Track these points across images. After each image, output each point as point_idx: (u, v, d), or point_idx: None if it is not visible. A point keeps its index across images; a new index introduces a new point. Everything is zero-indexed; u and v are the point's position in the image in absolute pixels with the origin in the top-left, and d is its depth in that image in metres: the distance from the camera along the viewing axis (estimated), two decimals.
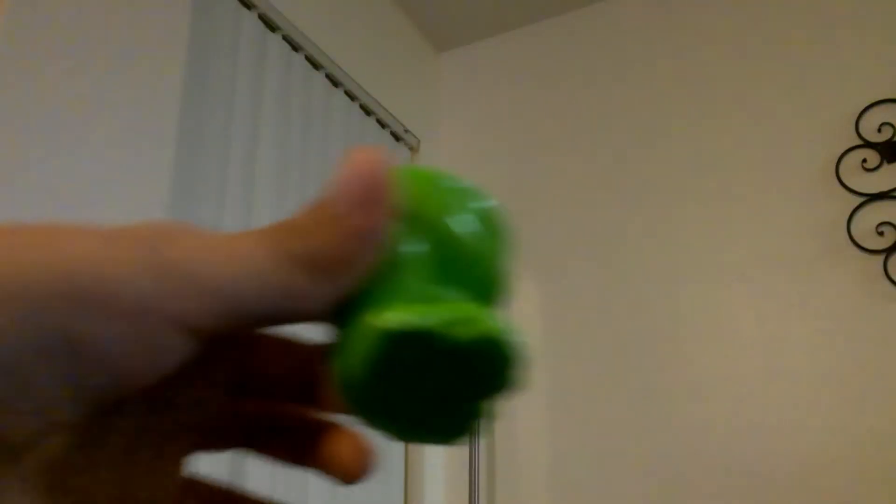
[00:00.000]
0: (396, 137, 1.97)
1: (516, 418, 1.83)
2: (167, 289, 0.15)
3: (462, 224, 0.20)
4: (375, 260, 0.18)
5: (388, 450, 1.68)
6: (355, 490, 1.53)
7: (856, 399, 1.48)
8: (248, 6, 1.44)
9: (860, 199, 1.57)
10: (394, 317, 0.18)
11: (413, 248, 0.19)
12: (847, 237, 1.55)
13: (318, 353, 0.21)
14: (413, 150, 2.06)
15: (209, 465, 1.11)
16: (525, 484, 1.76)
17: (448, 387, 0.20)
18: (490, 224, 0.21)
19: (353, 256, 0.17)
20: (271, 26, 1.51)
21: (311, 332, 0.20)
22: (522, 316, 1.91)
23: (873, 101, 1.60)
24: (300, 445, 0.21)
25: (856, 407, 1.47)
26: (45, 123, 0.99)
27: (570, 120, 2.03)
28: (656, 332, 1.72)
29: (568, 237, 1.92)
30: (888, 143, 1.56)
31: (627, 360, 1.74)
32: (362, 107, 1.82)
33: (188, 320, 0.15)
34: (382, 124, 1.90)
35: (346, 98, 1.75)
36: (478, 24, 2.20)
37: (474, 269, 0.20)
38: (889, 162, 1.56)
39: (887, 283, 1.50)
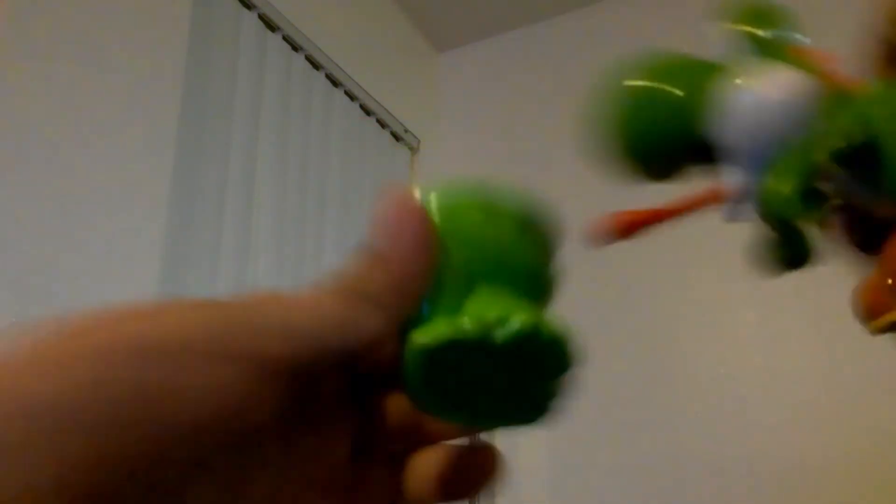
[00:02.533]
0: (396, 137, 1.97)
1: None
2: (248, 334, 0.17)
3: (495, 232, 0.22)
4: (421, 288, 0.20)
5: None
6: None
7: (856, 399, 1.48)
8: (248, 6, 1.44)
9: None
10: (428, 333, 0.20)
11: (452, 263, 0.21)
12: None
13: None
14: (413, 150, 2.05)
15: None
16: (525, 484, 1.76)
17: (510, 377, 0.21)
18: (526, 225, 0.23)
19: (400, 291, 0.20)
20: (271, 26, 1.50)
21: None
22: None
23: None
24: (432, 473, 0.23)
25: (856, 407, 1.47)
26: (45, 123, 0.99)
27: (569, 120, 2.03)
28: (656, 331, 1.72)
29: (567, 237, 1.92)
30: None
31: (627, 360, 1.74)
32: (362, 107, 1.82)
33: (269, 359, 0.17)
34: (382, 124, 1.90)
35: (346, 98, 1.75)
36: (478, 24, 2.20)
37: (510, 271, 0.22)
38: None
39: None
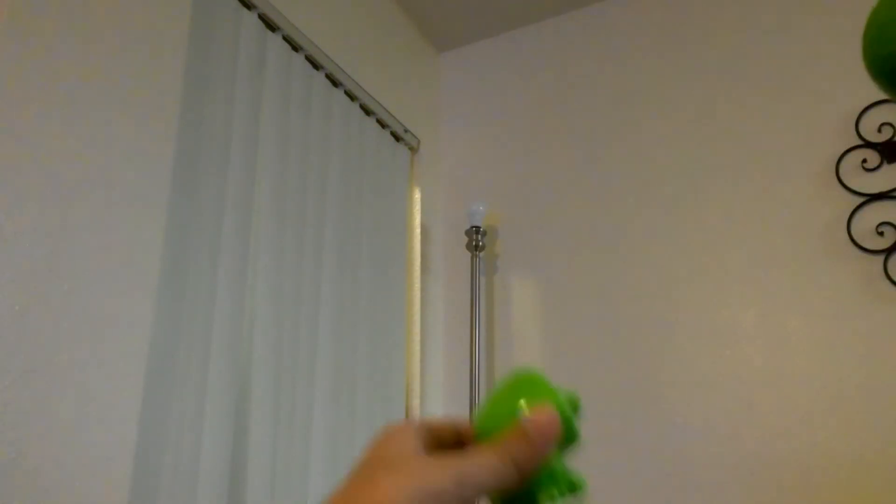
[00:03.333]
0: (396, 137, 1.97)
1: None
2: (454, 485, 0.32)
3: (574, 430, 0.38)
4: (540, 465, 0.36)
5: None
6: None
7: (856, 399, 1.48)
8: (248, 6, 1.44)
9: (860, 199, 1.57)
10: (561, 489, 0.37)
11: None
12: (847, 237, 1.56)
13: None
14: (413, 150, 2.06)
15: (212, 457, 1.11)
16: None
17: None
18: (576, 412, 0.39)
19: (533, 464, 0.35)
20: (271, 26, 1.51)
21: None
22: (522, 315, 1.91)
23: (873, 101, 1.60)
24: None
25: (856, 407, 1.47)
26: (47, 122, 0.99)
27: (569, 119, 2.03)
28: (656, 331, 1.72)
29: (567, 237, 1.92)
30: (888, 143, 1.57)
31: (627, 360, 1.74)
32: (362, 107, 1.82)
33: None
34: (382, 124, 1.90)
35: (346, 98, 1.75)
36: (478, 24, 2.21)
37: (570, 444, 0.38)
38: (889, 162, 1.56)
39: (887, 283, 1.50)
